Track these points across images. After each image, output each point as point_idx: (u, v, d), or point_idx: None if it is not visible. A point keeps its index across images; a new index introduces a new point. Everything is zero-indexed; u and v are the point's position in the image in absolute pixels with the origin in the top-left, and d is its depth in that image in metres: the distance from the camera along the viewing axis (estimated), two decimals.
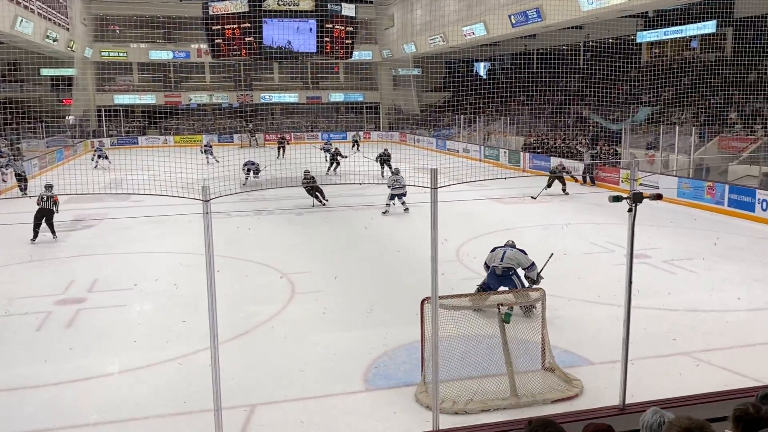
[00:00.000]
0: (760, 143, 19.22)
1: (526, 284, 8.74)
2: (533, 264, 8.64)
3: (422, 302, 6.87)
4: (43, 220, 13.83)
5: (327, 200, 17.44)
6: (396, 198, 16.64)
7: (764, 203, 15.62)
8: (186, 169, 11.62)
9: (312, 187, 17.39)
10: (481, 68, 42.44)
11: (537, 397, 6.56)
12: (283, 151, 30.75)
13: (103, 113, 40.09)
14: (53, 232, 14.04)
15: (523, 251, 8.81)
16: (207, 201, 4.30)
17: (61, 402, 6.66)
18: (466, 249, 12.93)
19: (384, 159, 23.80)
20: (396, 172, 17.51)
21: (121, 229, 14.69)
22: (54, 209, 13.92)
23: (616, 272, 9.97)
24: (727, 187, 17.11)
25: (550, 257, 9.15)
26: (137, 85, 42.27)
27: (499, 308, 6.94)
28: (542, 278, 8.73)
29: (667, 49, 29.56)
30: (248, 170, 21.63)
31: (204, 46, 33.43)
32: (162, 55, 41.15)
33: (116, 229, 14.77)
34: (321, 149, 27.61)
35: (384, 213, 16.37)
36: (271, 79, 44.54)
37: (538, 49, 36.21)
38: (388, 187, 16.86)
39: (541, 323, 7.25)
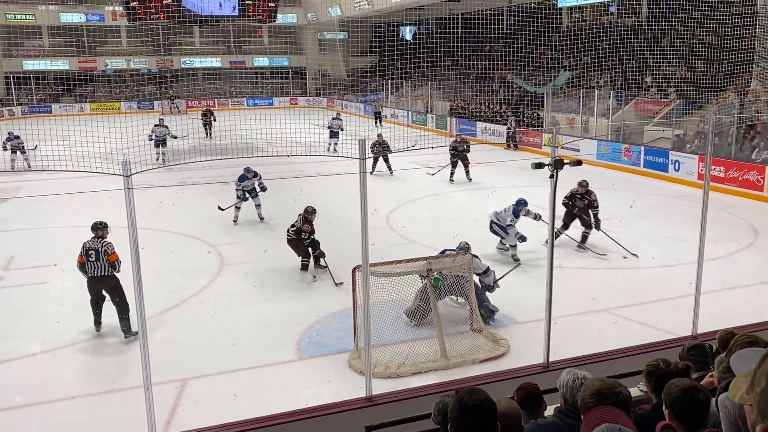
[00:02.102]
0: (673, 106, 20.11)
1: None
2: (488, 269, 8.11)
3: (353, 270, 6.93)
4: None
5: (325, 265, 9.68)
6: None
7: (677, 164, 16.43)
8: (105, 139, 11.17)
9: (303, 242, 9.76)
10: (408, 32, 42.30)
11: (466, 358, 6.79)
12: (210, 129, 26.54)
13: (12, 80, 37.74)
14: None
15: (476, 256, 8.10)
16: (128, 176, 4.16)
17: None
18: (396, 215, 13.06)
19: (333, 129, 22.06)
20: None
21: (38, 202, 14.01)
22: None
23: (540, 234, 10.35)
24: (642, 149, 17.89)
25: (515, 267, 8.88)
26: (48, 50, 39.93)
27: (428, 273, 7.10)
28: (498, 286, 8.19)
29: (587, 13, 30.25)
30: (156, 142, 19.67)
31: (119, 8, 31.88)
32: (74, 17, 38.94)
33: (32, 202, 14.07)
34: (328, 127, 22.39)
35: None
36: (192, 43, 43.02)
37: (462, 14, 36.31)
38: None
39: (468, 286, 7.47)
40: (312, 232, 9.62)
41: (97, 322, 7.50)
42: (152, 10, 25.41)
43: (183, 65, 41.51)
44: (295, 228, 9.63)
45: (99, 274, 7.27)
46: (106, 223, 7.55)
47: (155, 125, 19.88)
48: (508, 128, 23.25)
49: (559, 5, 28.25)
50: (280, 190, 13.73)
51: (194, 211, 13.54)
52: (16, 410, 5.95)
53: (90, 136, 11.15)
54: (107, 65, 40.24)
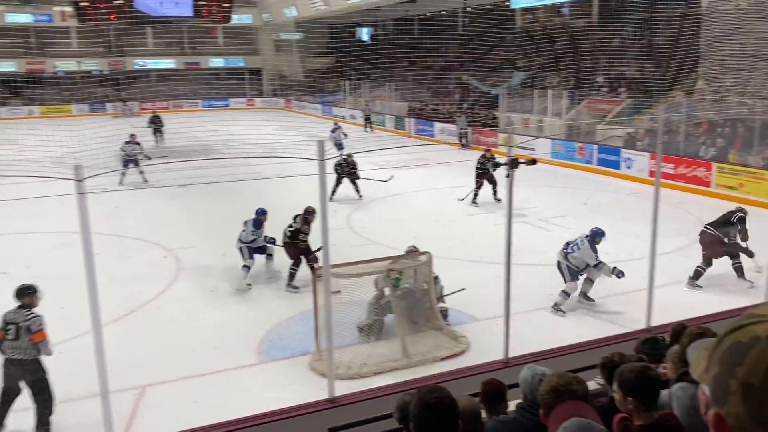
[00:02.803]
0: (624, 105, 20.61)
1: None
2: (437, 277, 7.90)
3: (314, 272, 6.92)
4: None
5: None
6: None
7: (629, 161, 16.85)
8: (57, 143, 10.89)
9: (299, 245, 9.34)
10: (364, 33, 42.33)
11: (427, 356, 6.84)
12: (161, 135, 23.97)
13: None
14: None
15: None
16: (81, 181, 4.07)
17: None
18: (357, 216, 13.07)
19: None
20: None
21: None
22: None
23: (497, 232, 10.47)
24: (595, 147, 18.29)
25: (459, 290, 8.35)
26: None
27: (389, 273, 7.13)
28: (443, 302, 7.92)
29: (540, 15, 30.76)
30: (126, 161, 16.90)
31: (68, 8, 31.02)
32: (20, 18, 37.78)
33: None
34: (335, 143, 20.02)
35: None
36: (145, 45, 42.22)
37: (418, 15, 36.56)
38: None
39: (429, 285, 7.53)
40: (307, 234, 9.12)
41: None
42: (103, 11, 24.86)
43: (136, 67, 40.73)
44: (293, 229, 9.17)
45: (18, 357, 5.54)
46: (35, 288, 5.81)
47: (126, 142, 16.97)
48: (459, 127, 23.53)
49: (513, 6, 28.65)
50: (239, 193, 13.60)
51: (150, 215, 13.31)
52: None
53: (40, 139, 10.86)
54: (57, 67, 39.18)
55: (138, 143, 17.10)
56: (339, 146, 19.41)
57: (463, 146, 23.14)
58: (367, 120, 29.21)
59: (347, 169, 14.72)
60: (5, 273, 9.61)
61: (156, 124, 24.36)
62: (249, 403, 5.79)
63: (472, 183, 14.04)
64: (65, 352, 7.10)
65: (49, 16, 37.93)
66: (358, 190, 14.76)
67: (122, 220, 12.74)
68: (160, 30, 40.07)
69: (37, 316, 5.68)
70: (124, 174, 16.39)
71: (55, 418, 5.82)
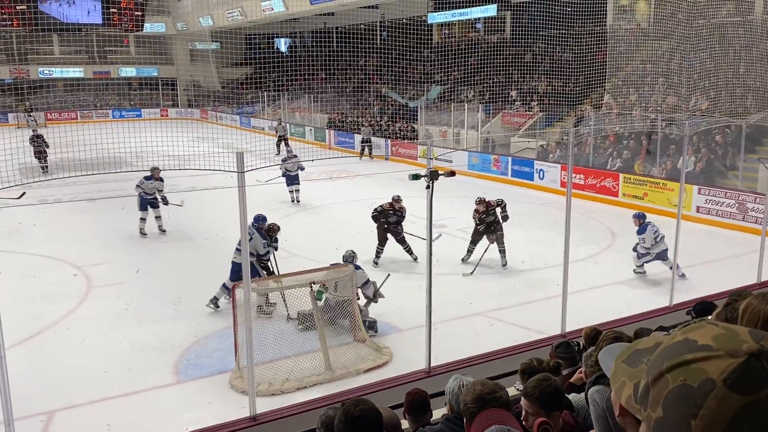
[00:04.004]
0: (536, 118, 21.39)
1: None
2: (368, 281, 8.00)
3: (233, 287, 6.77)
4: None
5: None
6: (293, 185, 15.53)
7: (541, 173, 17.47)
8: None
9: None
10: (282, 44, 42.08)
11: (350, 369, 6.81)
12: (45, 157, 19.95)
13: None
14: None
15: (359, 267, 7.97)
16: None
17: None
18: None
19: None
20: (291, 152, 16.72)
21: None
22: None
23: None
24: (510, 159, 18.87)
25: (386, 278, 8.46)
26: None
27: (311, 286, 7.06)
28: (382, 296, 8.09)
29: (456, 30, 31.55)
30: (145, 203, 13.07)
31: None
32: None
33: None
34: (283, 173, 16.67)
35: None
36: (51, 52, 40.32)
37: (337, 27, 36.67)
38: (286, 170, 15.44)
39: (351, 297, 7.51)
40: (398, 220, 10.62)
41: None
42: (4, 16, 23.60)
43: (41, 75, 38.76)
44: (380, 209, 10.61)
45: None
46: None
47: (146, 177, 12.62)
48: (363, 137, 23.73)
49: (429, 22, 29.25)
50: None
51: (57, 231, 12.65)
52: None
53: None
54: None
55: (161, 179, 12.80)
56: (291, 179, 15.62)
57: (363, 156, 23.30)
58: (281, 139, 24.59)
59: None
60: None
61: (38, 144, 20.28)
62: (166, 425, 5.59)
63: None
64: None
65: None
66: (410, 252, 10.75)
67: (26, 237, 12.07)
68: (68, 37, 38.39)
69: None
70: (144, 220, 12.50)
71: None
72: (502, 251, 10.43)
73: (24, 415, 5.29)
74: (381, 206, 10.63)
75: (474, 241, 10.54)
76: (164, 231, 12.55)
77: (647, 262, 9.67)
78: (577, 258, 9.88)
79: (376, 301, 8.06)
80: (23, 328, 7.63)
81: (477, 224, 10.44)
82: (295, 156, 15.59)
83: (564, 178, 16.14)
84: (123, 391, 6.38)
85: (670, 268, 9.14)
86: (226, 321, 7.07)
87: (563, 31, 21.63)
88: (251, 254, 8.49)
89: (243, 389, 6.24)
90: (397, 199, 10.64)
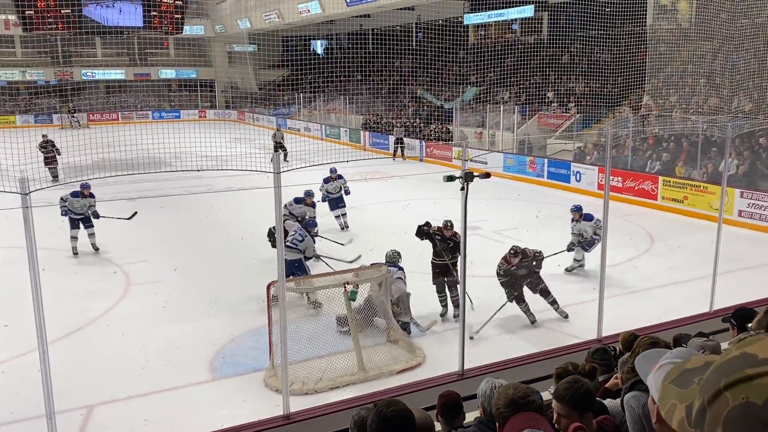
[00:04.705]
0: (573, 120, 21.12)
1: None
2: (405, 293, 7.97)
3: (268, 287, 6.84)
4: None
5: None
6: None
7: (578, 175, 17.24)
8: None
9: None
10: (319, 46, 42.37)
11: (383, 369, 6.82)
12: (55, 164, 18.62)
13: None
14: None
15: (402, 268, 8.06)
16: (26, 194, 3.94)
17: None
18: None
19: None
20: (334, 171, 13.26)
21: None
22: None
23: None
24: (546, 161, 18.67)
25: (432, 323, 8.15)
26: None
27: (345, 287, 7.09)
28: (415, 322, 7.87)
29: (492, 31, 31.36)
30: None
31: (13, 17, 30.11)
32: None
33: None
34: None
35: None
36: (94, 55, 41.29)
37: (372, 29, 36.80)
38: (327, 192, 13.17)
39: (385, 298, 7.52)
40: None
41: None
42: (50, 20, 24.26)
43: (84, 77, 39.74)
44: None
45: None
46: None
47: (296, 199, 11.46)
48: (396, 138, 23.72)
49: (465, 23, 29.14)
50: (190, 206, 13.36)
51: (98, 230, 12.94)
52: None
53: None
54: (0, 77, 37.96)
55: (92, 195, 11.76)
56: (334, 203, 13.35)
57: (396, 156, 23.30)
58: (279, 146, 22.79)
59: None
60: None
61: (48, 150, 19.10)
62: (202, 422, 5.67)
63: (427, 194, 14.07)
64: (8, 372, 6.86)
65: None
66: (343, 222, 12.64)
67: (69, 235, 12.35)
68: (110, 40, 39.26)
69: None
70: (75, 238, 11.33)
71: None
72: (553, 303, 8.26)
73: (65, 408, 5.42)
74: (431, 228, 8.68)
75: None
76: (97, 249, 11.08)
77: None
78: (615, 262, 9.73)
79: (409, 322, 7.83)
80: (65, 324, 7.84)
81: (500, 275, 8.14)
82: (340, 177, 13.15)
83: (601, 181, 15.89)
84: (160, 387, 6.50)
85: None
86: (262, 320, 7.14)
87: (602, 32, 21.30)
88: (302, 252, 8.73)
89: (277, 388, 6.30)
90: (448, 226, 8.51)
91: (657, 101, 19.28)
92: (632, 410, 2.46)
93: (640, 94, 19.68)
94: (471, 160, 17.09)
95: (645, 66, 18.93)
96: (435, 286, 8.45)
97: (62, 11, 23.51)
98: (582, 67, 23.33)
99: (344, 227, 12.97)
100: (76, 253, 10.89)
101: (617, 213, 12.99)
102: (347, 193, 12.96)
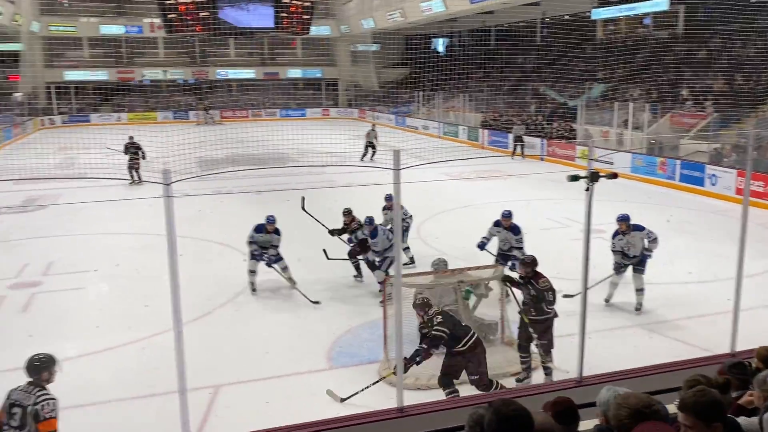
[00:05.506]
0: (709, 119, 19.78)
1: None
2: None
3: (384, 281, 6.96)
4: None
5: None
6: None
7: (713, 178, 16.14)
8: (144, 147, 11.35)
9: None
10: (440, 44, 42.40)
11: (496, 371, 6.73)
12: (138, 170, 17.67)
13: (53, 90, 38.82)
14: None
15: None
16: (168, 184, 4.25)
17: None
18: (428, 227, 13.06)
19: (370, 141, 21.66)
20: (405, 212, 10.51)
21: (77, 209, 14.34)
22: None
23: (573, 247, 10.24)
24: (678, 162, 17.61)
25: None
26: (88, 60, 40.91)
27: (459, 285, 7.08)
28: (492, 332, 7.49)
29: (621, 26, 30.00)
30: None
31: (157, 20, 32.53)
32: (113, 29, 39.88)
33: (71, 209, 14.42)
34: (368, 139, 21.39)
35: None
36: (227, 55, 43.71)
37: (495, 26, 36.31)
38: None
39: (500, 299, 7.43)
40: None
41: None
42: (189, 23, 25.96)
43: (218, 76, 42.17)
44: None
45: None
46: (53, 359, 4.48)
47: (374, 221, 9.45)
48: (515, 136, 23.18)
49: (593, 17, 28.07)
50: (313, 200, 13.80)
51: (228, 221, 13.71)
52: None
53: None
54: (144, 76, 41.06)
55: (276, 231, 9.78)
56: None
57: (515, 155, 22.78)
58: (370, 146, 22.14)
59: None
60: (96, 270, 10.12)
61: (134, 153, 18.19)
62: (318, 408, 5.87)
63: (548, 194, 13.73)
64: (148, 348, 7.43)
65: (140, 27, 39.84)
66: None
67: (203, 223, 13.20)
68: (242, 41, 41.37)
69: (50, 398, 4.29)
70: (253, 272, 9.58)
71: (134, 412, 6.07)
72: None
73: (195, 386, 5.80)
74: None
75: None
76: (294, 283, 9.36)
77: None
78: (752, 272, 9.02)
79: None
80: (197, 307, 8.38)
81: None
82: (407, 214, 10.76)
83: (740, 185, 14.78)
84: (281, 372, 6.80)
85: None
86: (378, 312, 7.29)
87: (745, 25, 19.80)
88: (374, 251, 9.10)
89: (390, 381, 6.40)
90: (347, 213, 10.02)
91: None
92: None
93: None
94: (596, 160, 16.48)
95: None
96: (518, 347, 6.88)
97: (201, 14, 25.04)
98: (721, 63, 21.79)
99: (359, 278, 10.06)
100: (254, 290, 9.38)
101: (757, 220, 12.03)
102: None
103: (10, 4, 32.22)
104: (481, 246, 9.09)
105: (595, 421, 3.26)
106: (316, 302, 8.31)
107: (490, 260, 8.92)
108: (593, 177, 4.81)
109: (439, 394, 6.11)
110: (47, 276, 10.23)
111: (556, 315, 6.59)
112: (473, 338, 5.99)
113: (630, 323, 7.99)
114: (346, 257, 9.82)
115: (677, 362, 5.89)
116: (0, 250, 11.77)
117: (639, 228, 8.51)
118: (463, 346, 5.92)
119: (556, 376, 6.41)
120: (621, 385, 3.31)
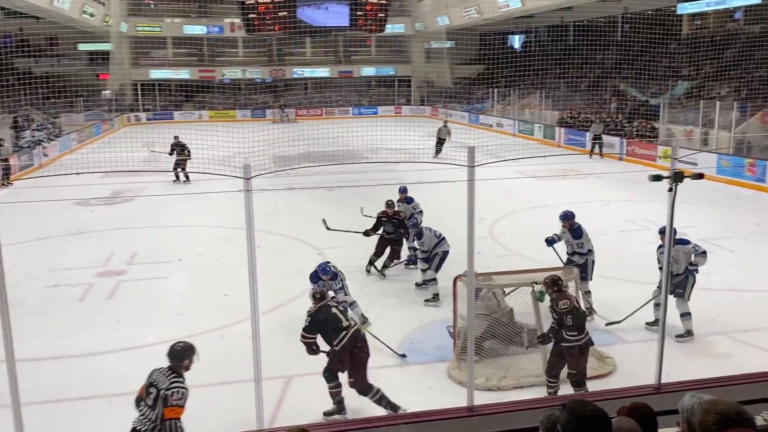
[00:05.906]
0: None
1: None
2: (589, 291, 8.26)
3: (455, 280, 6.93)
4: None
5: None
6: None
7: None
8: (224, 143, 11.74)
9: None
10: (516, 41, 41.76)
11: (539, 378, 6.55)
12: (184, 169, 18.13)
13: (139, 88, 40.61)
14: None
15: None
16: (248, 179, 4.38)
17: (104, 371, 6.90)
18: (500, 226, 12.90)
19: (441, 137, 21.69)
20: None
21: (161, 202, 14.97)
22: None
23: (652, 250, 9.87)
24: None
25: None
26: (172, 59, 42.57)
27: (533, 287, 6.95)
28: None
29: (709, 21, 28.68)
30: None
31: (237, 20, 33.46)
32: (196, 29, 41.32)
33: (155, 202, 15.05)
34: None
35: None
36: (304, 54, 44.47)
37: (574, 22, 35.44)
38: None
39: (578, 301, 7.25)
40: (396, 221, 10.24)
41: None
42: (268, 23, 26.58)
43: (294, 75, 42.97)
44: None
45: (143, 427, 4.47)
46: (194, 348, 4.71)
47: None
48: (593, 134, 22.47)
49: (679, 12, 26.96)
50: (385, 197, 13.88)
51: (302, 215, 13.97)
52: (131, 396, 6.37)
53: (211, 140, 11.78)
54: (224, 75, 42.33)
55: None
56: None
57: (593, 154, 22.13)
58: (440, 141, 21.98)
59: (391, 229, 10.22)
60: (180, 260, 10.53)
61: (181, 153, 18.25)
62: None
63: (626, 195, 13.32)
64: (226, 336, 7.68)
65: (221, 27, 41.10)
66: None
67: (278, 218, 13.51)
68: (318, 40, 41.99)
69: (182, 387, 4.45)
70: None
71: (210, 398, 6.27)
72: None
73: (269, 376, 5.94)
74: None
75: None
76: (366, 319, 8.19)
77: None
78: None
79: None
80: (271, 299, 8.58)
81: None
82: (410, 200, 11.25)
83: None
84: None
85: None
86: (449, 311, 7.26)
87: None
88: (421, 250, 9.14)
89: (460, 380, 6.38)
90: (390, 205, 10.17)
91: None
92: None
93: None
94: (680, 160, 15.85)
95: None
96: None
97: (279, 13, 25.57)
98: None
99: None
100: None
101: None
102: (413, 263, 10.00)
103: (101, 5, 33.88)
104: (549, 242, 8.60)
105: (675, 430, 3.14)
106: (403, 356, 7.24)
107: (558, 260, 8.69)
108: (677, 177, 4.63)
109: (509, 396, 6.04)
110: (132, 265, 10.72)
111: (588, 343, 5.97)
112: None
113: (713, 331, 7.64)
114: (348, 230, 10.63)
115: (764, 373, 5.59)
116: (88, 240, 12.42)
117: (684, 242, 7.69)
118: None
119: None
120: (701, 394, 3.17)
